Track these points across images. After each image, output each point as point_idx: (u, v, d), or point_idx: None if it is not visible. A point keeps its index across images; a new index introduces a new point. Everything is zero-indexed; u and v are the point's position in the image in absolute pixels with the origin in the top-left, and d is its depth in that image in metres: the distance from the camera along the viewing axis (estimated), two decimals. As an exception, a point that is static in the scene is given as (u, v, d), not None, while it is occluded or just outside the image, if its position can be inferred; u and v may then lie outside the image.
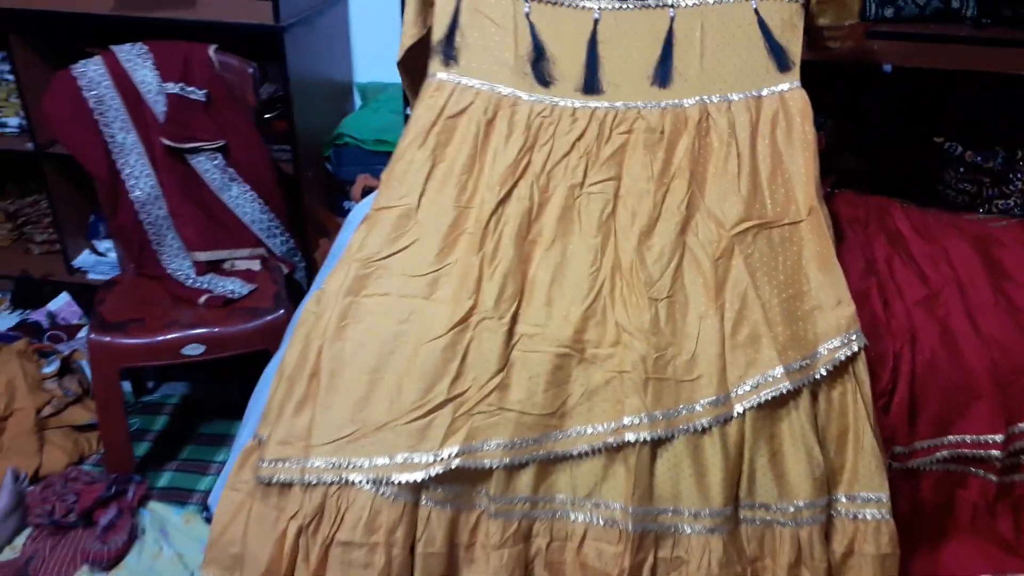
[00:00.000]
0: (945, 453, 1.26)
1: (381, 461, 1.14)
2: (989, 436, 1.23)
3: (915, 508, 1.28)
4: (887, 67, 2.02)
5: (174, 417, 2.29)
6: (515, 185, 1.31)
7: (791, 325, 1.18)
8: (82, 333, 2.47)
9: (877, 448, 1.15)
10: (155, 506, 1.96)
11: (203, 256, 2.04)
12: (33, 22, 2.29)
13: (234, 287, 1.97)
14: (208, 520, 1.28)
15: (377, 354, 1.20)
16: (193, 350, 1.83)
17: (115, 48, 2.03)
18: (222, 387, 2.38)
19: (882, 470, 1.16)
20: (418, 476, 1.12)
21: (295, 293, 2.06)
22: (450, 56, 1.41)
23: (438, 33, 1.42)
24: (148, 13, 2.16)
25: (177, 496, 2.01)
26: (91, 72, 1.99)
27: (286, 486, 1.17)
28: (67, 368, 2.24)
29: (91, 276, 2.59)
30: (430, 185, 1.33)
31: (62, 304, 2.61)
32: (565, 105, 1.38)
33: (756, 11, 1.35)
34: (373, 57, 2.73)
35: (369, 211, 1.35)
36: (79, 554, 1.83)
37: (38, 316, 2.56)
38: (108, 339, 1.81)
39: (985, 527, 1.29)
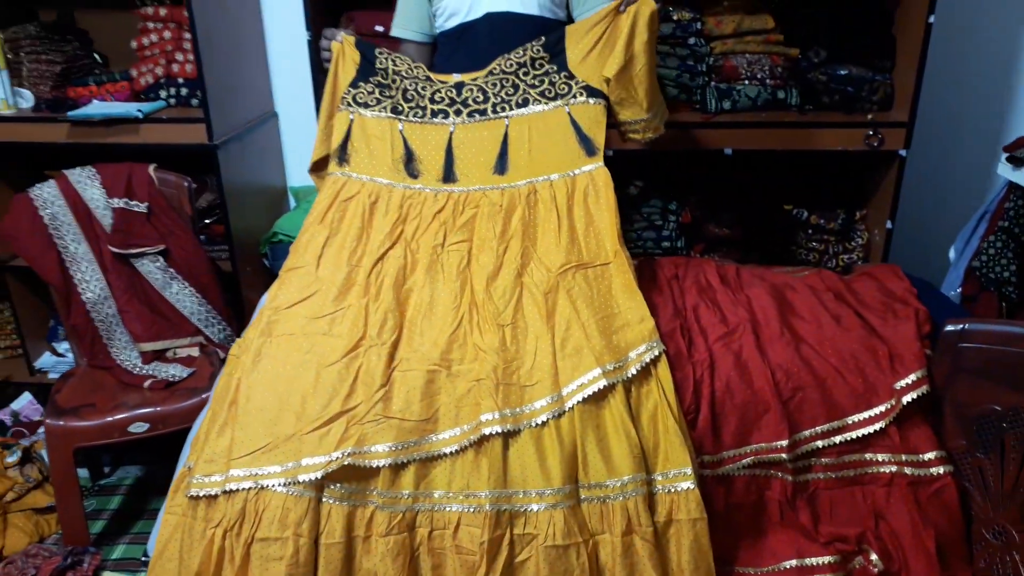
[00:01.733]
0: (748, 460, 1.54)
1: (290, 465, 1.42)
2: (777, 442, 1.52)
3: (731, 508, 1.56)
4: (728, 151, 2.38)
5: (128, 497, 2.51)
6: (392, 247, 1.70)
7: (605, 338, 1.50)
8: (43, 429, 2.69)
9: (680, 431, 1.45)
10: None
11: (148, 347, 2.31)
12: (-5, 152, 2.59)
13: (175, 372, 2.24)
14: (147, 561, 1.54)
15: (285, 379, 1.51)
16: (138, 428, 2.09)
17: (67, 172, 2.34)
18: (174, 466, 2.60)
19: (685, 448, 1.44)
20: (318, 473, 1.40)
21: (231, 374, 2.32)
22: (343, 159, 1.83)
23: (335, 144, 1.84)
24: (98, 140, 2.46)
25: (130, 566, 2.22)
26: (46, 194, 2.30)
27: (212, 499, 1.44)
28: (28, 458, 2.46)
29: (51, 376, 2.78)
30: (327, 251, 1.71)
31: (24, 403, 2.83)
32: (428, 191, 1.77)
33: (569, 114, 1.76)
34: (304, 163, 3.01)
35: (280, 272, 1.72)
36: (39, 621, 2.03)
37: (2, 415, 2.77)
38: (62, 423, 2.06)
39: (790, 519, 1.56)
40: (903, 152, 2.33)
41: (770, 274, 1.83)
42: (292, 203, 3.08)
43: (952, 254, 2.24)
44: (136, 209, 2.32)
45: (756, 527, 1.57)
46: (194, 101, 2.57)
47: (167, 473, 2.58)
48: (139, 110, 2.42)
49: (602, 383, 1.45)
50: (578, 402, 1.45)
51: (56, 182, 2.33)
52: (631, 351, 1.50)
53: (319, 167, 1.95)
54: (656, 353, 1.51)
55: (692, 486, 1.43)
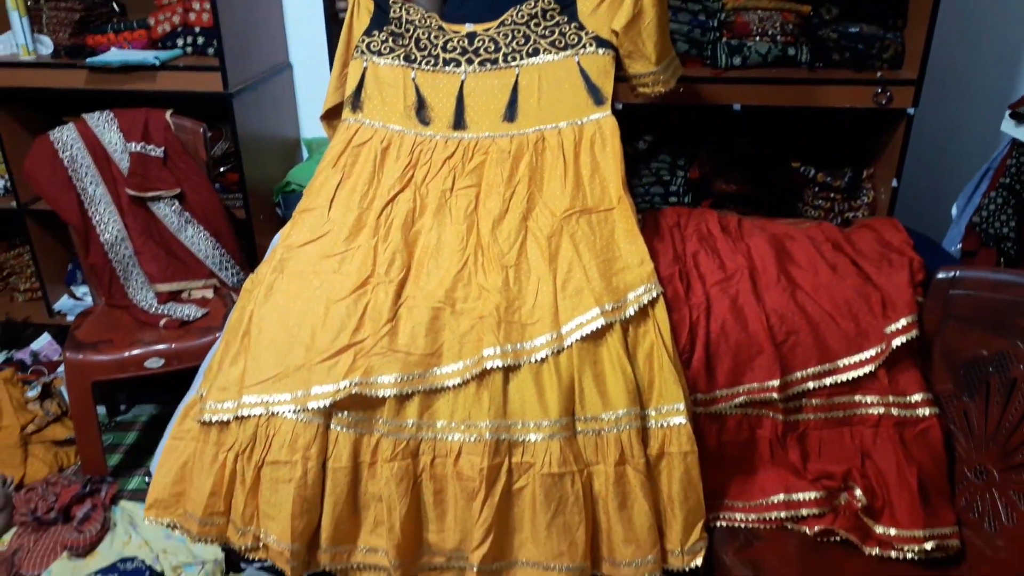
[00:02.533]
0: (741, 399, 1.58)
1: (300, 393, 1.48)
2: (769, 382, 1.56)
3: (723, 445, 1.60)
4: (737, 106, 2.40)
5: (143, 433, 2.60)
6: (402, 191, 1.74)
7: (605, 280, 1.55)
8: (62, 368, 2.78)
9: (674, 369, 1.50)
10: (125, 504, 2.26)
11: (164, 287, 2.38)
12: (16, 97, 2.65)
13: (190, 312, 2.31)
14: (149, 483, 1.61)
15: (296, 313, 1.56)
16: (154, 363, 2.16)
17: (86, 116, 2.40)
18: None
19: (678, 385, 1.49)
20: (327, 401, 1.46)
21: (244, 317, 2.39)
22: (356, 106, 1.87)
23: (348, 90, 1.88)
24: (115, 86, 2.51)
25: (143, 496, 2.30)
26: (65, 136, 2.36)
27: (224, 424, 1.50)
28: (48, 393, 2.55)
29: (70, 318, 2.87)
30: (339, 193, 1.76)
31: (44, 344, 2.92)
32: (439, 138, 1.81)
33: (579, 63, 1.78)
34: (318, 115, 3.07)
35: (294, 214, 1.77)
36: (59, 544, 2.12)
37: (22, 355, 2.86)
38: (81, 356, 2.14)
39: (780, 457, 1.61)
40: (911, 110, 2.35)
41: (771, 225, 1.86)
42: (305, 154, 3.12)
43: (954, 211, 2.26)
44: (153, 153, 2.37)
45: (747, 464, 1.62)
46: (210, 50, 2.61)
47: (182, 411, 2.70)
48: (156, 58, 2.46)
49: (600, 322, 1.49)
50: (577, 340, 1.49)
51: (75, 125, 2.38)
52: (629, 292, 1.55)
53: (331, 115, 2.00)
54: (654, 295, 1.55)
55: (684, 421, 1.49)
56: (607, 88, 1.77)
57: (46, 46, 2.63)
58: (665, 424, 1.49)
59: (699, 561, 1.49)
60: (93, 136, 2.37)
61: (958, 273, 1.55)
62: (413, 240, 1.67)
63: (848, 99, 2.38)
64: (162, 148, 2.38)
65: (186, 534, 1.54)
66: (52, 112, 2.67)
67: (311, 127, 3.11)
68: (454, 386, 1.49)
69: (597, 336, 1.51)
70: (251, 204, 2.69)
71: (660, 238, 1.75)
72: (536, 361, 1.49)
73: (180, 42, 2.62)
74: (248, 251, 2.65)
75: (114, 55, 2.53)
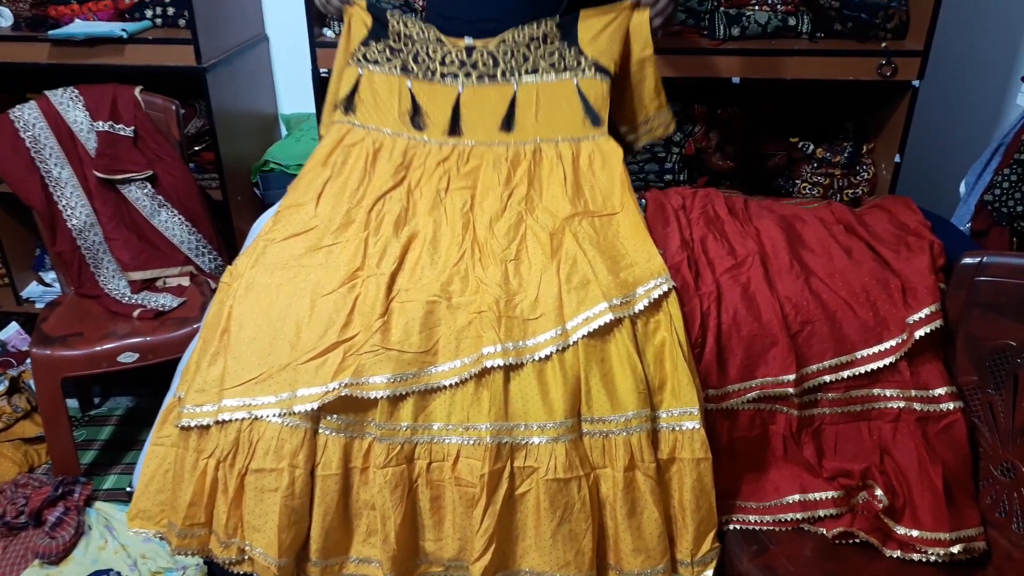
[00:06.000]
0: (754, 394, 1.50)
1: (285, 395, 1.37)
2: (784, 376, 1.48)
3: (734, 442, 1.52)
4: (736, 79, 2.30)
5: (119, 428, 2.48)
6: (394, 188, 1.64)
7: (612, 275, 1.45)
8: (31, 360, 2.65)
9: (688, 369, 1.41)
10: (101, 505, 2.15)
11: (137, 275, 2.25)
12: (-27, 73, 2.49)
13: (165, 301, 2.18)
14: (132, 494, 1.51)
15: (280, 308, 1.45)
16: (128, 358, 2.04)
17: (48, 93, 2.25)
18: (164, 397, 2.57)
19: (693, 387, 1.40)
20: (314, 404, 1.36)
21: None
22: (349, 108, 1.78)
23: (343, 93, 1.80)
24: (80, 60, 2.37)
25: (121, 496, 2.20)
26: (27, 115, 2.21)
27: (204, 429, 1.39)
28: (16, 388, 2.42)
29: (38, 306, 2.75)
30: (328, 190, 1.65)
31: (11, 333, 2.79)
32: (434, 143, 1.73)
33: (577, 86, 1.72)
34: (296, 90, 2.96)
35: (278, 209, 1.65)
36: (30, 551, 2.01)
37: (-11, 346, 2.75)
38: (49, 352, 2.02)
39: (794, 455, 1.53)
40: (916, 83, 2.26)
41: (779, 206, 1.77)
42: (283, 130, 3.01)
43: (963, 188, 2.19)
44: (122, 133, 2.24)
45: (759, 462, 1.54)
46: (181, 21, 2.48)
47: (158, 404, 2.55)
48: (123, 30, 2.32)
49: (608, 317, 1.40)
50: (583, 336, 1.40)
51: (37, 103, 2.24)
52: (639, 286, 1.45)
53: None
54: (665, 289, 1.45)
55: (698, 426, 1.40)
56: (604, 112, 1.72)
57: (5, 18, 2.48)
58: (677, 428, 1.41)
59: (710, 573, 1.42)
60: (57, 114, 2.23)
61: (985, 259, 1.46)
62: (406, 234, 1.57)
63: (851, 71, 2.29)
64: (132, 127, 2.24)
65: (167, 545, 1.45)
66: (12, 89, 2.51)
67: (289, 102, 2.99)
68: (451, 386, 1.40)
69: (604, 332, 1.41)
70: (228, 185, 2.57)
71: (665, 222, 1.65)
72: (539, 359, 1.40)
73: (149, 13, 2.49)
74: (226, 235, 2.53)
75: (78, 27, 2.39)
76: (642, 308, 1.43)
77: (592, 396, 1.39)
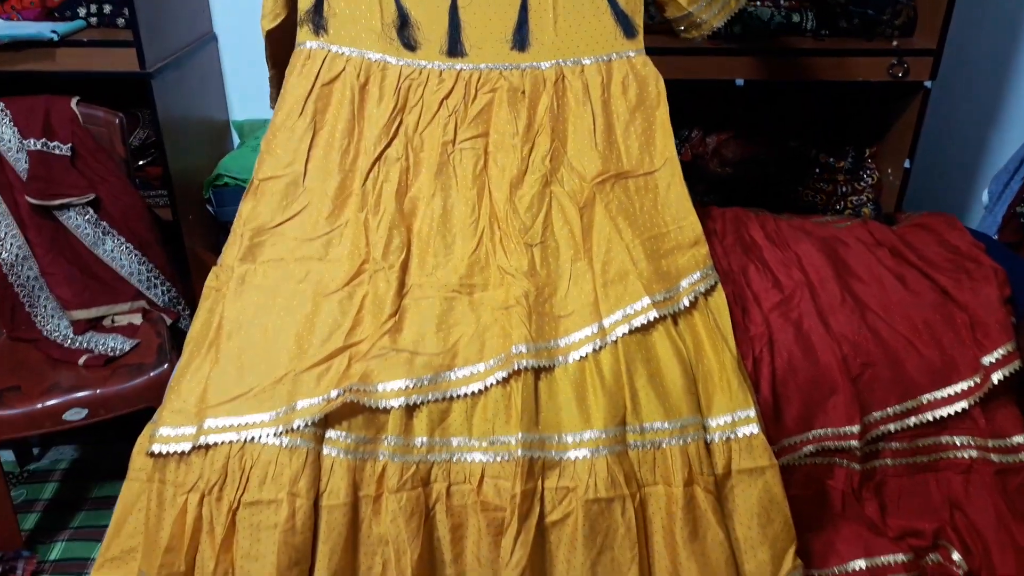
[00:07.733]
0: (811, 448, 1.34)
1: (282, 410, 1.16)
2: (847, 428, 1.32)
3: (790, 502, 1.36)
4: (739, 81, 2.14)
5: (63, 483, 2.20)
6: (389, 144, 1.41)
7: (654, 263, 1.29)
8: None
9: (738, 369, 1.24)
10: (48, 579, 1.89)
11: (80, 314, 1.98)
12: None
13: (115, 344, 1.92)
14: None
15: (276, 313, 1.25)
16: (75, 415, 1.77)
17: (-32, 107, 1.96)
18: (113, 446, 2.30)
19: (745, 389, 1.24)
20: (314, 417, 1.15)
21: (181, 343, 2.02)
22: (319, 25, 1.48)
23: (306, 3, 1.48)
24: (4, 67, 2.09)
25: (72, 568, 1.93)
26: (-57, 134, 1.92)
27: (183, 456, 1.16)
28: (-58, 444, 2.13)
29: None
30: (314, 152, 1.41)
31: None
32: (431, 68, 1.46)
33: None
34: (249, 94, 2.71)
35: (253, 182, 1.40)
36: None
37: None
38: (-19, 411, 1.74)
39: (854, 512, 1.38)
40: (928, 84, 2.13)
41: (811, 225, 1.61)
42: (236, 139, 2.75)
43: (986, 197, 2.07)
44: (57, 152, 1.96)
45: (817, 523, 1.38)
46: (120, 20, 2.21)
47: (109, 454, 2.31)
48: (53, 31, 2.04)
49: (653, 314, 1.24)
50: (623, 334, 1.23)
51: (-45, 119, 1.94)
52: (683, 279, 1.30)
53: (277, 48, 1.57)
54: (711, 283, 1.31)
55: (756, 431, 1.22)
56: (638, 18, 1.47)
57: (-88, 19, 2.17)
58: (732, 436, 1.23)
59: None
60: (-21, 132, 1.94)
61: (1066, 291, 1.32)
62: (411, 210, 1.37)
63: (860, 71, 2.16)
64: (68, 145, 1.97)
65: None
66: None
67: (241, 108, 2.74)
68: (473, 393, 1.20)
69: (650, 330, 1.25)
70: (178, 203, 2.30)
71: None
72: (574, 360, 1.22)
73: (82, 11, 2.22)
74: (178, 262, 2.26)
75: (0, 28, 2.08)
76: (686, 304, 1.28)
77: (640, 401, 1.21)
